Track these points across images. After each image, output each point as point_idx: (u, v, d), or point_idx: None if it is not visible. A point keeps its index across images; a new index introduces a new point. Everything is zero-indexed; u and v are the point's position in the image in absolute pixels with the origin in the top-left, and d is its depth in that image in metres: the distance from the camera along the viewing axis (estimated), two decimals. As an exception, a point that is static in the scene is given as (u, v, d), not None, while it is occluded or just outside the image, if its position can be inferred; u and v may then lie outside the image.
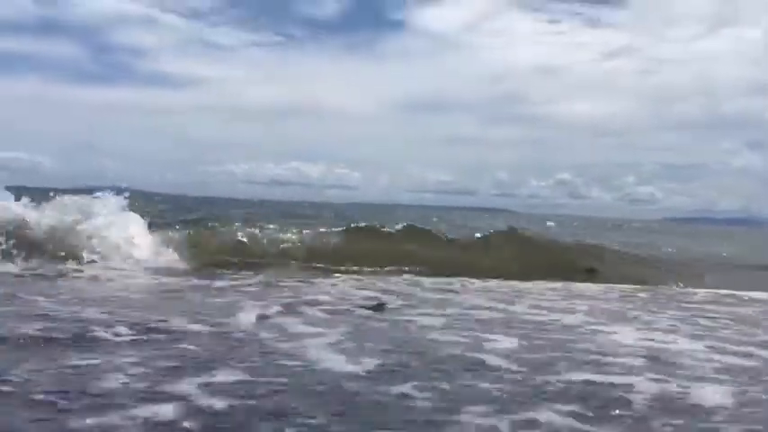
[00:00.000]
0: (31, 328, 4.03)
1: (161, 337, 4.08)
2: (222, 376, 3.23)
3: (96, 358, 3.46)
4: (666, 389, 3.38)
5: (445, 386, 3.25)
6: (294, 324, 4.73)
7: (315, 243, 9.48)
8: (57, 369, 3.23)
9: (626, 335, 4.89)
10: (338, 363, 3.62)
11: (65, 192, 9.32)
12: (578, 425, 2.77)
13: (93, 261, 7.84)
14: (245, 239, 9.36)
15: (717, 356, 4.24)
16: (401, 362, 3.72)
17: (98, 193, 9.00)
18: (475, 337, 4.53)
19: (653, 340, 4.71)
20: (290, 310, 5.25)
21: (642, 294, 7.82)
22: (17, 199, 8.74)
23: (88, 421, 2.55)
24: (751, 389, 3.47)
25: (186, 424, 2.58)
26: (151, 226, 8.92)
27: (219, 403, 2.84)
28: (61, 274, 6.99)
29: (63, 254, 7.87)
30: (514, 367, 3.70)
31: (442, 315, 5.45)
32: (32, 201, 8.78)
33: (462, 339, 4.44)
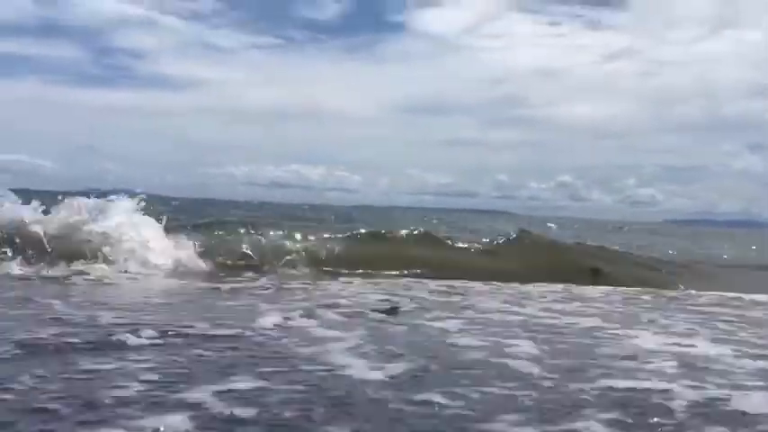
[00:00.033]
0: (45, 333, 3.91)
1: (177, 341, 3.96)
2: (240, 383, 3.10)
3: (109, 363, 3.33)
4: (705, 395, 3.26)
5: (474, 394, 3.11)
6: (311, 328, 4.62)
7: (323, 247, 9.41)
8: (66, 375, 3.10)
9: (647, 339, 4.78)
10: (360, 368, 3.49)
11: (67, 195, 9.19)
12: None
13: (108, 264, 7.72)
14: (258, 241, 9.27)
15: (747, 361, 4.13)
16: (424, 367, 3.60)
17: (112, 196, 8.86)
18: (494, 341, 4.41)
19: (677, 345, 4.59)
20: (306, 313, 5.14)
21: (646, 297, 7.71)
22: (26, 202, 8.58)
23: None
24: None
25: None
26: (166, 230, 8.82)
27: (236, 411, 2.71)
28: (75, 278, 6.89)
29: (76, 257, 7.73)
30: (544, 373, 3.58)
31: (456, 318, 5.34)
32: (42, 204, 8.63)
33: (482, 343, 4.32)
